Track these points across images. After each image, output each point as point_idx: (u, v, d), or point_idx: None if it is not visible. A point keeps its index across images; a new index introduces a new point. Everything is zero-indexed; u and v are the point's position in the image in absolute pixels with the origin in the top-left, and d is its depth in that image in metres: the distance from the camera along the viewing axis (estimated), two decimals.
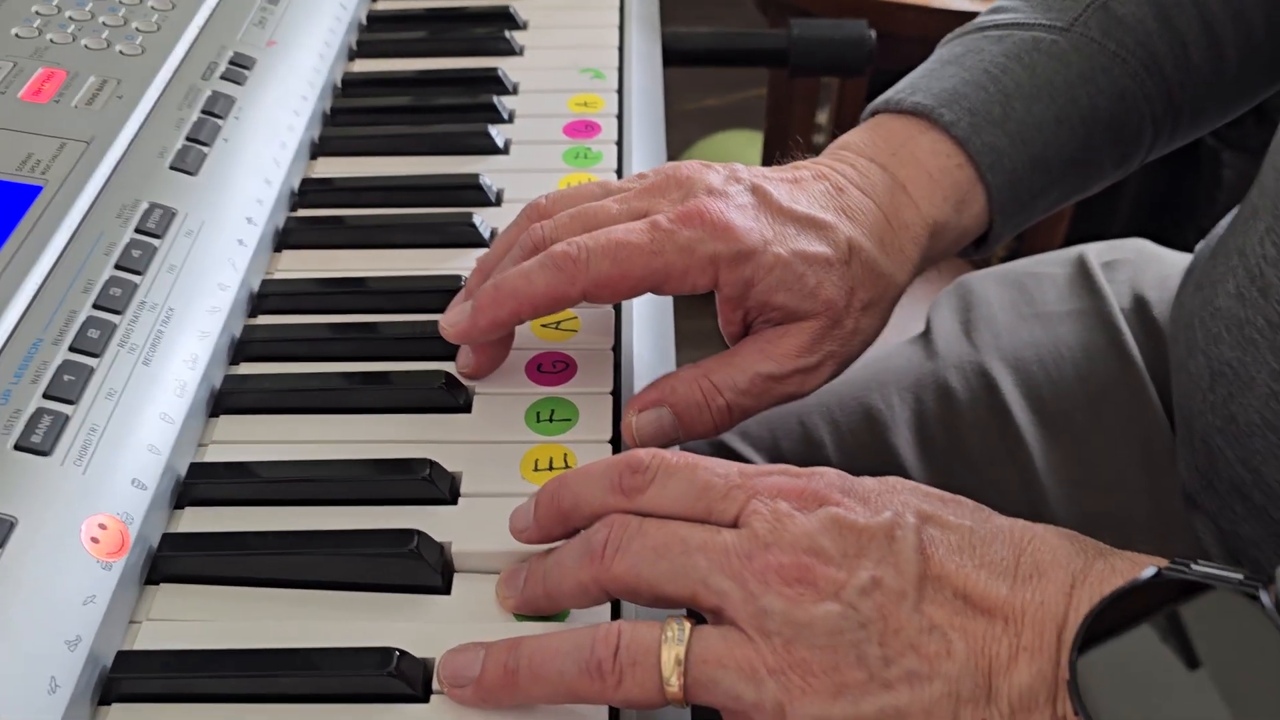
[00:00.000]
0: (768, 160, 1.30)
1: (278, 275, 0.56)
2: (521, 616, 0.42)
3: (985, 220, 0.54)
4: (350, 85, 0.69)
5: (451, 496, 0.46)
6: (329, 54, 0.67)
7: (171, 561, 0.43)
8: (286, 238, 0.58)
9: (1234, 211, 0.58)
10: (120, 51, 0.58)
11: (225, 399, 0.50)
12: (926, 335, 0.71)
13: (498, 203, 0.60)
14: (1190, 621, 0.35)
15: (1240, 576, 0.36)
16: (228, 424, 0.49)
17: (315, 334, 0.53)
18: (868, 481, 0.40)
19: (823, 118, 1.72)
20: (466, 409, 0.49)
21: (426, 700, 0.39)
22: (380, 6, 0.76)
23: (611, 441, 0.48)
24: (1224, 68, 0.58)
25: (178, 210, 0.52)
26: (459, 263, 0.56)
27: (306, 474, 0.46)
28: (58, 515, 0.40)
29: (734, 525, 0.39)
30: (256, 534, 0.44)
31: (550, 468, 0.46)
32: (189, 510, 0.46)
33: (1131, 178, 0.63)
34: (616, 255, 0.45)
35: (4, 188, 0.49)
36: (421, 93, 0.69)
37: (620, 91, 0.67)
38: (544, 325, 0.53)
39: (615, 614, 0.42)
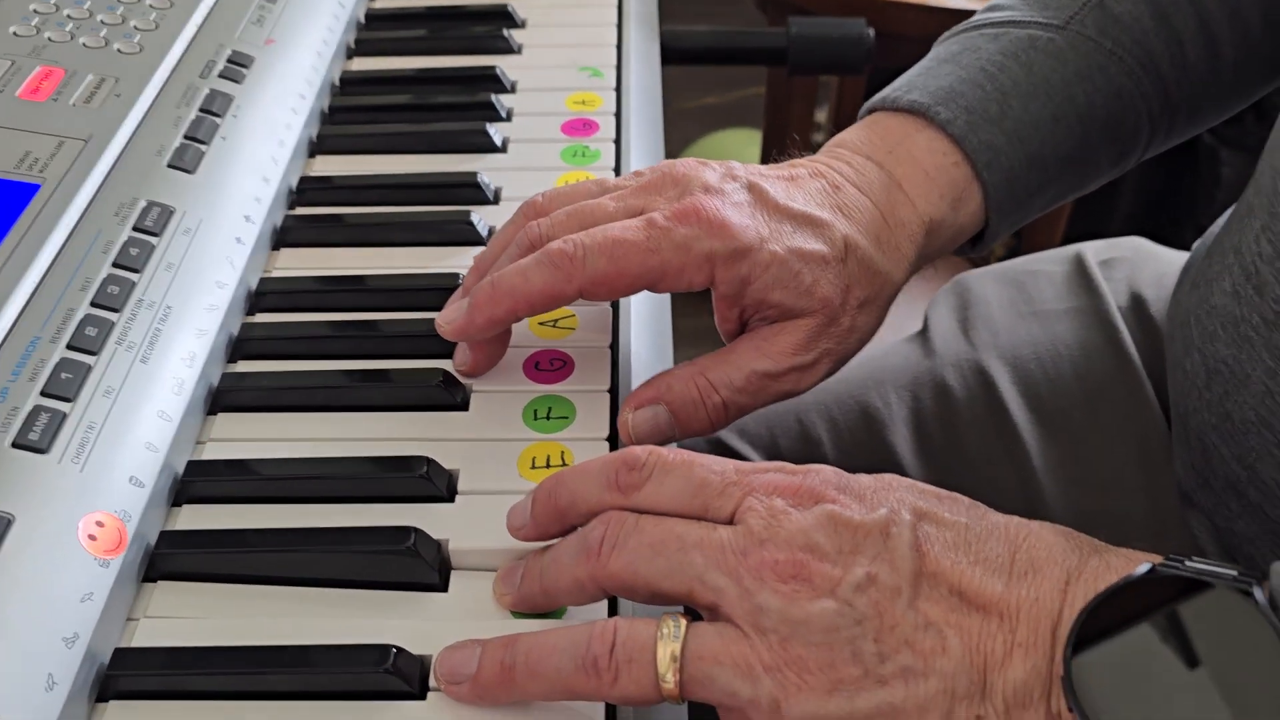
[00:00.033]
0: (766, 159, 1.30)
1: (275, 273, 0.56)
2: (518, 614, 0.42)
3: (982, 218, 0.54)
4: (348, 83, 0.69)
5: (449, 494, 0.46)
6: (327, 52, 0.67)
7: (169, 559, 0.43)
8: (284, 236, 0.58)
9: (1230, 210, 0.58)
10: (118, 50, 0.58)
11: (223, 397, 0.50)
12: (924, 333, 0.72)
13: (496, 201, 0.60)
14: (1186, 619, 0.35)
15: (1235, 573, 0.36)
16: (225, 422, 0.49)
17: (313, 332, 0.53)
18: (863, 479, 0.40)
19: (821, 116, 1.72)
20: (464, 407, 0.49)
21: (423, 697, 0.39)
22: (378, 5, 0.76)
23: (609, 439, 0.48)
24: (1220, 66, 0.58)
25: (176, 208, 0.52)
26: (457, 261, 0.56)
27: (304, 472, 0.46)
28: (55, 513, 0.40)
29: (730, 522, 0.39)
30: (254, 531, 0.44)
31: (548, 465, 0.47)
32: (186, 508, 0.46)
33: (1130, 176, 0.63)
34: (613, 253, 0.46)
35: (2, 186, 0.50)
36: (420, 91, 0.69)
37: (618, 90, 0.68)
38: (541, 323, 0.53)
39: (612, 612, 0.42)
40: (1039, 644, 0.36)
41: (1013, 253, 1.33)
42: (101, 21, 0.60)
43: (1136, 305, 0.67)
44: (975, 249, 0.56)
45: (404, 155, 0.63)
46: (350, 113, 0.67)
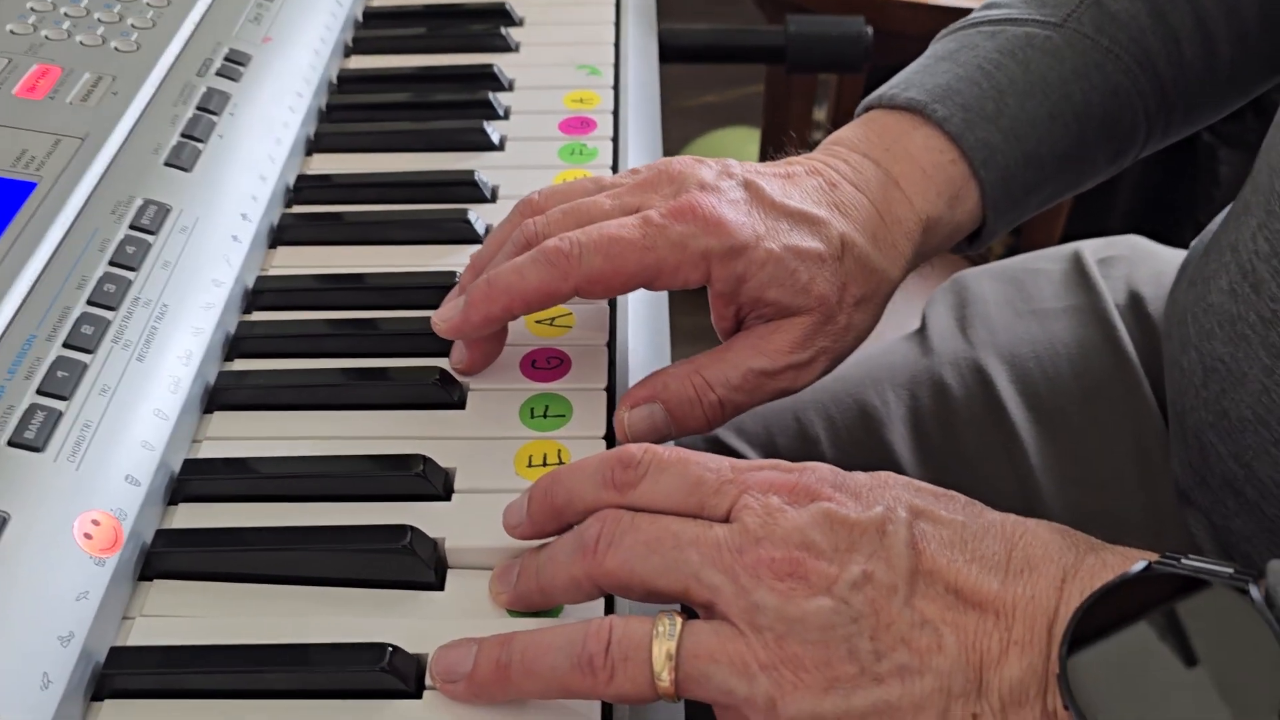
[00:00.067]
0: (764, 157, 1.30)
1: (272, 271, 0.56)
2: (514, 612, 0.42)
3: (978, 216, 0.54)
4: (346, 82, 0.69)
5: (445, 492, 0.46)
6: (324, 50, 0.67)
7: (165, 557, 0.43)
8: (281, 234, 0.58)
9: (1228, 208, 0.58)
10: (115, 48, 0.58)
11: (219, 395, 0.50)
12: (922, 332, 0.72)
13: (493, 199, 0.60)
14: (1182, 617, 0.35)
15: (1231, 571, 0.36)
16: (222, 420, 0.49)
17: (309, 330, 0.53)
18: (860, 476, 0.40)
19: (820, 114, 1.72)
20: (460, 405, 0.49)
21: (419, 696, 0.39)
22: (376, 3, 0.76)
23: (605, 438, 0.48)
24: (1217, 64, 0.58)
25: (172, 206, 0.52)
26: (454, 259, 0.56)
27: (300, 470, 0.46)
28: (51, 511, 0.40)
29: (726, 520, 0.39)
30: (250, 530, 0.44)
31: (544, 464, 0.47)
32: (183, 506, 0.46)
33: (1128, 174, 0.63)
34: (609, 250, 0.46)
35: None
36: (417, 89, 0.69)
37: (616, 88, 0.67)
38: (538, 321, 0.53)
39: (609, 611, 0.42)
40: (1035, 642, 0.36)
41: (1011, 251, 1.32)
42: (98, 19, 0.60)
43: (1134, 304, 0.67)
44: (972, 246, 0.56)
45: (401, 153, 0.63)
46: (348, 111, 0.67)
